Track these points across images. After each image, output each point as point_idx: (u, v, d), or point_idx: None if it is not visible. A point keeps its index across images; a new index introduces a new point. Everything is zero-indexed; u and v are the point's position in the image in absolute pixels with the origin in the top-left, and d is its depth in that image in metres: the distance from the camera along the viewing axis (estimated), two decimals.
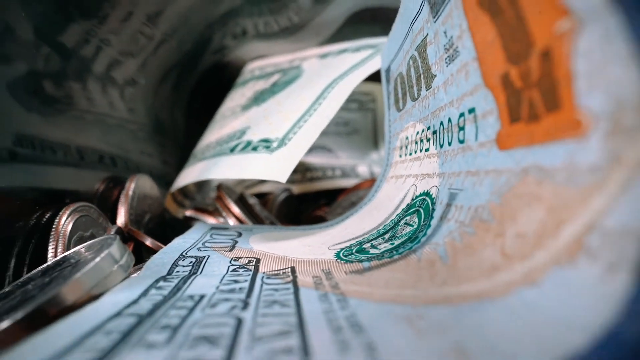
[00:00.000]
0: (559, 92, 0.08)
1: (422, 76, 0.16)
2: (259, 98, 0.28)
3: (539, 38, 0.08)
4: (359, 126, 0.39)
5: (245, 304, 0.10)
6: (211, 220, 0.25)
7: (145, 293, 0.11)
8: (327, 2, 0.31)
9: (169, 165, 0.34)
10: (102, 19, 0.26)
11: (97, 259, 0.12)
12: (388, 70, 0.22)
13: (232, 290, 0.11)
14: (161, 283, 0.12)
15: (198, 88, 0.39)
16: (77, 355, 0.07)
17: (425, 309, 0.09)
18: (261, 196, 0.32)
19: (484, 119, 0.11)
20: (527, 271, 0.08)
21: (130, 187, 0.23)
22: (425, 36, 0.15)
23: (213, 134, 0.29)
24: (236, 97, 0.32)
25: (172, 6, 0.31)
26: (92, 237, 0.19)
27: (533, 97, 0.09)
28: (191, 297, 0.10)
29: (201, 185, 0.33)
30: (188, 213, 0.26)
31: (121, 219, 0.22)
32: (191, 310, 0.09)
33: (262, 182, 0.32)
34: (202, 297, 0.10)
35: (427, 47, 0.15)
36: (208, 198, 0.33)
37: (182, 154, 0.37)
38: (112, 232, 0.19)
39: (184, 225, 0.28)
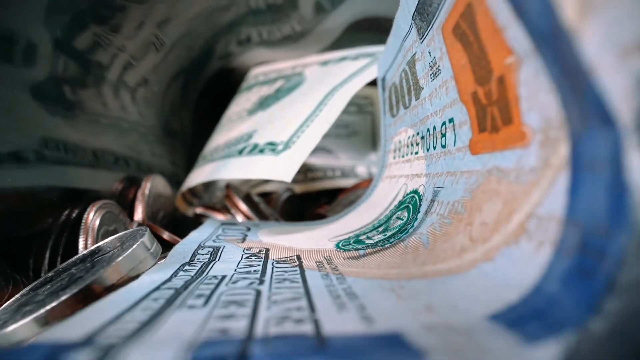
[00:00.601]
0: (510, 110, 0.10)
1: (412, 87, 0.18)
2: (264, 103, 0.31)
3: (495, 67, 0.10)
4: (358, 128, 0.42)
5: (261, 281, 0.12)
6: (220, 217, 0.27)
7: (175, 274, 0.13)
8: (328, 12, 0.33)
9: (177, 166, 0.37)
10: (115, 27, 0.28)
11: (134, 247, 0.14)
12: (384, 79, 0.24)
13: (248, 272, 0.13)
14: (186, 267, 0.14)
15: (205, 92, 0.41)
16: (137, 313, 0.09)
17: (406, 282, 0.11)
18: (265, 195, 0.35)
19: (460, 128, 0.13)
20: (486, 250, 0.10)
21: (147, 186, 0.25)
22: (414, 54, 0.17)
23: (221, 137, 0.31)
24: (242, 102, 0.35)
25: (180, 14, 0.33)
26: (115, 231, 0.21)
27: (494, 112, 0.11)
28: (215, 276, 0.13)
29: (208, 185, 0.35)
30: (198, 210, 0.28)
31: (139, 215, 0.24)
32: (217, 285, 0.12)
33: (266, 182, 0.35)
34: (223, 276, 0.13)
35: (415, 63, 0.17)
36: (215, 197, 0.36)
37: (190, 155, 0.39)
38: (133, 227, 0.22)
39: (194, 222, 0.30)
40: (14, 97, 0.21)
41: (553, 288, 0.08)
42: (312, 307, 0.09)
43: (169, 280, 0.12)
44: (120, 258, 0.13)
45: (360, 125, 0.41)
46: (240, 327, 0.08)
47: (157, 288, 0.12)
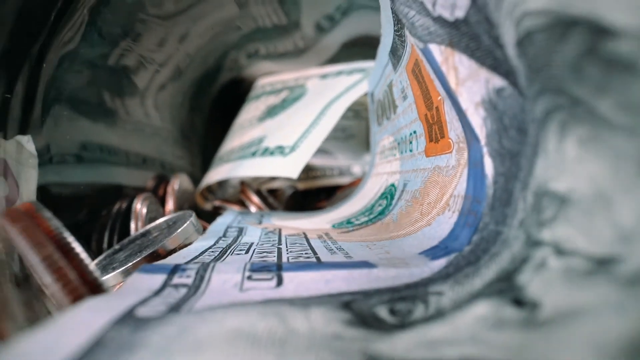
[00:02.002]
0: (443, 129, 0.16)
1: (391, 104, 0.24)
2: (271, 112, 0.37)
3: (434, 100, 0.16)
4: (355, 132, 0.48)
5: (279, 243, 0.18)
6: (236, 208, 0.33)
7: (216, 242, 0.19)
8: (327, 31, 0.39)
9: (195, 166, 0.43)
10: (137, 36, 0.34)
11: (186, 224, 0.20)
12: (372, 94, 0.30)
13: (268, 240, 0.19)
14: (222, 239, 0.20)
15: (216, 100, 0.47)
16: (206, 256, 0.15)
17: (377, 242, 0.17)
18: (272, 192, 0.41)
19: (419, 138, 0.19)
20: (428, 220, 0.16)
21: (176, 182, 0.31)
22: (391, 80, 0.23)
23: (235, 141, 0.37)
24: (251, 110, 0.41)
25: (198, 30, 0.39)
26: (155, 218, 0.27)
27: (436, 129, 0.17)
28: (246, 243, 0.19)
29: (222, 183, 0.41)
30: (217, 203, 0.34)
31: (170, 206, 0.30)
32: (249, 246, 0.18)
33: (273, 179, 0.41)
34: (252, 243, 0.19)
35: (392, 87, 0.23)
36: (227, 193, 0.42)
37: (204, 157, 0.45)
38: (171, 214, 0.28)
39: (211, 214, 0.36)
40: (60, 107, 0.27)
41: (455, 234, 0.14)
42: (314, 252, 0.15)
43: (214, 244, 0.18)
44: (178, 231, 0.19)
45: (356, 129, 0.47)
46: (272, 258, 0.14)
47: (210, 247, 0.18)
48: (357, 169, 0.44)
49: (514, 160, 0.11)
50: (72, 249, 0.10)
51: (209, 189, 0.40)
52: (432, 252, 0.14)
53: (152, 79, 0.37)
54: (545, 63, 0.08)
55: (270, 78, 0.45)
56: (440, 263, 0.12)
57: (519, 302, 0.09)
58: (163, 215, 0.29)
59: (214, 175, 0.34)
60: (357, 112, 0.48)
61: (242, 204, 0.34)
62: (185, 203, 0.33)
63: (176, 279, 0.12)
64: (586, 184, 0.08)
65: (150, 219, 0.27)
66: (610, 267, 0.07)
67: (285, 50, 0.43)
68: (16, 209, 0.11)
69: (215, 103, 0.47)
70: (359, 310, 0.10)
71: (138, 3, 0.31)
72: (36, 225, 0.10)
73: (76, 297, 0.09)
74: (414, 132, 0.20)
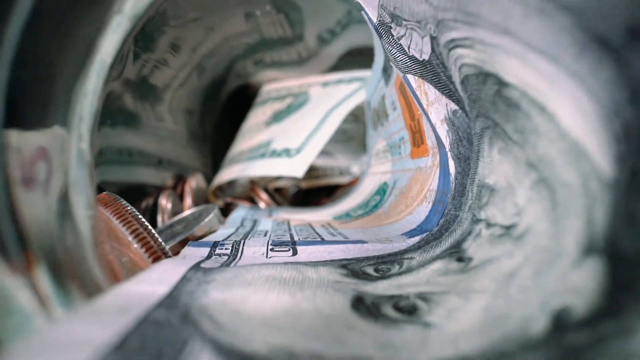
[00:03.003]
0: (422, 136, 0.21)
1: (384, 113, 0.29)
2: (277, 117, 0.41)
3: (415, 113, 0.21)
4: (354, 134, 0.52)
5: (289, 230, 0.22)
6: (246, 204, 0.37)
7: (237, 230, 0.24)
8: (328, 42, 0.44)
9: (207, 166, 0.47)
10: (156, 46, 0.38)
11: (211, 215, 0.24)
12: (369, 103, 0.34)
13: (279, 228, 0.24)
14: (241, 227, 0.25)
15: (225, 105, 0.51)
16: (232, 237, 0.20)
17: (370, 228, 0.21)
18: (277, 190, 0.45)
19: (406, 143, 0.24)
20: (410, 209, 0.21)
21: (193, 181, 0.36)
22: (384, 93, 0.27)
23: (244, 143, 0.41)
24: (258, 114, 0.45)
25: (209, 40, 0.44)
26: (177, 212, 0.32)
27: (417, 136, 0.21)
28: (262, 230, 0.23)
29: (231, 182, 0.46)
30: (229, 200, 0.38)
31: (188, 202, 0.35)
32: (266, 232, 0.22)
33: (279, 178, 0.45)
34: (267, 230, 0.23)
35: (385, 98, 0.28)
36: (236, 192, 0.46)
37: (214, 158, 0.50)
38: (191, 210, 0.32)
39: (223, 210, 0.40)
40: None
41: (429, 219, 0.18)
42: (319, 235, 0.20)
43: (235, 232, 0.23)
44: (205, 221, 0.24)
45: (355, 132, 0.52)
46: (287, 238, 0.19)
47: (233, 233, 0.22)
48: (356, 169, 0.48)
49: (466, 162, 0.15)
50: (147, 226, 0.15)
51: (220, 188, 0.44)
52: (411, 233, 0.18)
53: (168, 85, 0.41)
54: (477, 97, 0.13)
55: (275, 85, 0.49)
56: (415, 239, 0.17)
57: (460, 259, 0.13)
58: (182, 210, 0.33)
59: (226, 174, 0.39)
60: (357, 116, 0.52)
61: (251, 200, 0.38)
62: (200, 200, 0.38)
63: (217, 250, 0.16)
64: (502, 178, 0.13)
65: (173, 213, 0.31)
66: (510, 231, 0.12)
67: (290, 59, 0.47)
68: (103, 196, 0.15)
69: (224, 108, 0.52)
70: (353, 269, 0.14)
71: (163, 15, 0.35)
72: (122, 209, 0.14)
73: (155, 259, 0.14)
74: (402, 138, 0.25)
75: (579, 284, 0.08)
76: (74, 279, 0.09)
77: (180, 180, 0.37)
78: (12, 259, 0.07)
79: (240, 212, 0.31)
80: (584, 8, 0.07)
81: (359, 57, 0.46)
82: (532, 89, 0.10)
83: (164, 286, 0.10)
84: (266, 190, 0.39)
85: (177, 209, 0.33)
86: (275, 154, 0.35)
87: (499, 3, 0.09)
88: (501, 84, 0.11)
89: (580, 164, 0.09)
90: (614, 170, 0.08)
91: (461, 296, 0.11)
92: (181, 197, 0.36)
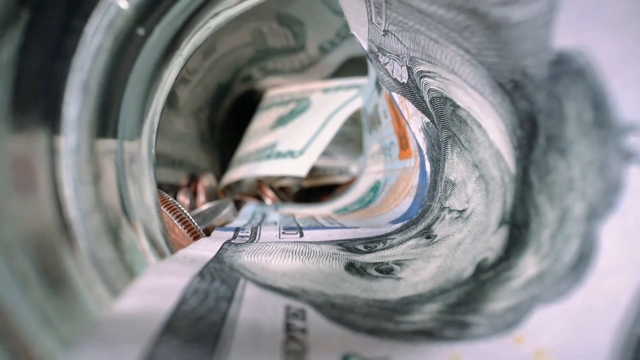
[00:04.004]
0: (407, 141, 0.25)
1: (378, 119, 0.33)
2: (282, 121, 0.46)
3: (401, 122, 0.25)
4: (353, 136, 0.56)
5: (295, 221, 0.27)
6: (253, 201, 0.42)
7: (249, 221, 0.28)
8: (328, 52, 0.48)
9: (214, 166, 0.52)
10: None
11: (227, 209, 0.29)
12: (365, 109, 0.39)
13: (286, 220, 0.28)
14: (252, 219, 0.29)
15: (231, 109, 0.56)
16: (247, 227, 0.24)
17: (363, 219, 0.26)
18: (281, 189, 0.50)
19: (395, 146, 0.28)
20: (397, 203, 0.25)
21: (205, 180, 0.40)
22: (377, 102, 0.32)
23: (250, 145, 0.46)
24: (263, 118, 0.50)
25: (218, 47, 0.48)
26: (192, 208, 0.36)
27: (403, 141, 0.26)
28: (271, 221, 0.28)
29: (238, 181, 0.50)
30: (237, 197, 0.43)
31: (201, 199, 0.39)
32: (275, 222, 0.27)
33: (283, 178, 0.50)
34: (276, 221, 0.28)
35: (378, 107, 0.32)
36: (243, 190, 0.50)
37: (221, 158, 0.54)
38: (206, 205, 0.36)
39: (234, 206, 0.45)
40: None
41: (411, 209, 0.23)
42: (320, 224, 0.24)
43: (248, 223, 0.27)
44: (223, 214, 0.28)
45: (354, 134, 0.56)
46: (294, 225, 0.23)
47: (247, 224, 0.27)
48: (354, 169, 0.52)
49: (437, 163, 0.20)
50: (186, 213, 0.19)
51: (228, 186, 0.49)
52: (396, 221, 0.23)
53: (181, 90, 0.46)
54: (441, 114, 0.17)
55: (279, 90, 0.54)
56: (398, 225, 0.21)
57: (428, 237, 0.18)
58: (196, 206, 0.38)
59: (235, 174, 0.43)
60: (355, 120, 0.57)
61: (258, 197, 0.43)
62: (211, 197, 0.42)
63: (240, 233, 0.20)
64: (459, 175, 0.17)
65: (190, 208, 0.36)
66: (462, 213, 0.16)
67: (292, 67, 0.52)
68: None
69: (230, 112, 0.56)
70: (347, 246, 0.19)
71: None
72: (166, 199, 0.19)
73: (195, 238, 0.18)
74: (392, 142, 0.29)
75: (493, 244, 0.13)
76: (155, 242, 0.13)
77: (193, 179, 0.42)
78: (151, 224, 0.11)
79: (250, 207, 0.35)
80: (491, 65, 0.12)
81: (356, 65, 0.50)
82: (472, 111, 0.15)
83: (211, 252, 0.15)
84: (271, 189, 0.43)
85: (192, 205, 0.37)
86: (280, 155, 0.40)
87: (446, 53, 0.14)
88: (455, 106, 0.16)
89: (500, 164, 0.14)
90: (515, 168, 0.13)
91: (424, 260, 0.15)
92: (194, 194, 0.40)
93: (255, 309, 0.10)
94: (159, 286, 0.10)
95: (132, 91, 0.12)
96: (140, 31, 0.10)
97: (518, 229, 0.12)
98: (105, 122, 0.10)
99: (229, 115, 0.56)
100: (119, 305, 0.08)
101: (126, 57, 0.10)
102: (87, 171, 0.09)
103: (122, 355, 0.07)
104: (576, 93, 0.09)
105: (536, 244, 0.11)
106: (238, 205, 0.43)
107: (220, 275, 0.12)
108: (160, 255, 0.13)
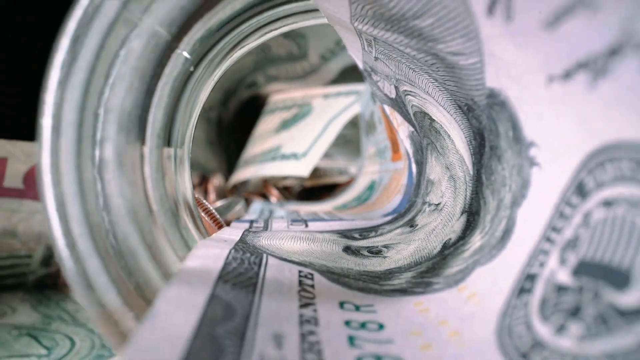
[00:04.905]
0: (398, 145, 0.29)
1: (373, 125, 0.37)
2: (285, 125, 0.50)
3: (392, 129, 0.30)
4: (352, 139, 0.61)
5: (300, 215, 0.31)
6: (259, 199, 0.46)
7: (259, 216, 0.32)
8: (329, 60, 0.53)
9: (222, 167, 0.56)
10: None
11: (239, 205, 0.33)
12: (363, 115, 0.43)
13: (292, 215, 0.32)
14: (261, 215, 0.33)
15: (237, 113, 0.60)
16: (259, 220, 0.28)
17: (359, 214, 0.30)
18: (285, 188, 0.54)
19: (389, 150, 0.33)
20: (389, 199, 0.30)
21: (216, 180, 0.44)
22: (373, 109, 0.36)
23: (256, 148, 0.50)
24: (267, 122, 0.54)
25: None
26: None
27: (395, 145, 0.30)
28: (279, 216, 0.32)
29: (244, 181, 0.55)
30: (244, 195, 0.47)
31: (212, 197, 0.43)
32: (282, 217, 0.31)
33: (286, 178, 0.54)
34: (283, 216, 0.32)
35: (374, 114, 0.36)
36: (248, 189, 0.55)
37: (227, 160, 0.59)
38: (220, 202, 0.41)
39: None
40: None
41: (400, 205, 0.27)
42: (322, 218, 0.29)
43: (259, 217, 0.32)
44: (236, 209, 0.33)
45: (353, 137, 0.60)
46: (299, 218, 0.27)
47: (257, 218, 0.31)
48: (353, 170, 0.57)
49: (421, 165, 0.24)
50: (212, 209, 0.23)
51: (235, 185, 0.53)
52: (387, 214, 0.27)
53: None
54: (421, 125, 0.21)
55: (282, 95, 0.58)
56: (389, 218, 0.26)
57: (411, 226, 0.22)
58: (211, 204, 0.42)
59: (242, 174, 0.48)
60: (354, 123, 0.61)
61: (263, 196, 0.47)
62: (220, 195, 0.47)
63: (254, 225, 0.25)
64: (436, 176, 0.21)
65: None
66: (438, 206, 0.20)
67: (295, 74, 0.56)
68: None
69: (236, 115, 0.60)
70: (345, 234, 0.23)
71: None
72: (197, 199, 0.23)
73: (219, 227, 0.22)
74: (386, 145, 0.33)
75: (456, 228, 0.17)
76: (197, 225, 0.17)
77: (204, 179, 0.46)
78: (192, 211, 0.16)
79: (258, 204, 0.39)
80: (452, 92, 0.16)
81: (355, 73, 0.54)
82: (443, 124, 0.19)
83: (236, 237, 0.19)
84: (276, 188, 0.47)
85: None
86: (284, 157, 0.44)
87: (421, 79, 0.18)
88: (431, 119, 0.20)
89: (463, 167, 0.18)
90: (472, 170, 0.17)
91: (406, 243, 0.20)
92: (205, 192, 0.44)
93: (277, 271, 0.14)
94: (209, 254, 0.14)
95: (181, 112, 0.16)
96: (191, 68, 0.14)
97: (472, 215, 0.16)
98: (167, 136, 0.14)
99: (235, 119, 0.60)
100: (187, 264, 0.13)
101: (181, 90, 0.14)
102: (159, 170, 0.13)
103: (198, 290, 0.11)
104: (503, 117, 0.13)
105: (482, 225, 0.15)
106: (246, 202, 0.47)
107: (249, 250, 0.16)
108: (202, 235, 0.18)
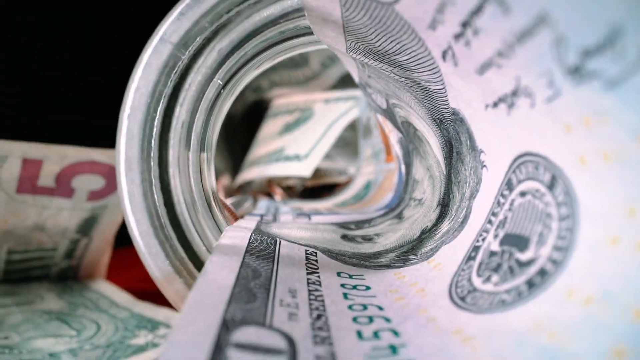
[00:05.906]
0: (390, 148, 0.34)
1: (369, 129, 0.42)
2: (288, 128, 0.54)
3: (385, 134, 0.34)
4: (350, 140, 0.65)
5: (303, 211, 0.36)
6: (264, 198, 0.51)
7: (266, 212, 0.37)
8: (329, 66, 0.57)
9: (227, 168, 0.60)
10: None
11: (248, 202, 0.38)
12: (360, 119, 0.48)
13: (297, 210, 0.37)
14: (269, 212, 0.38)
15: (242, 116, 0.65)
16: (268, 214, 0.33)
17: (355, 210, 0.35)
18: (287, 188, 0.58)
19: (382, 152, 0.37)
20: (383, 196, 0.34)
21: (224, 179, 0.49)
22: (370, 115, 0.41)
23: (260, 150, 0.55)
24: (271, 125, 0.59)
25: None
26: None
27: (388, 148, 0.35)
28: (285, 210, 0.36)
29: (249, 181, 0.59)
30: (250, 194, 0.51)
31: (221, 195, 0.48)
32: (288, 212, 0.35)
33: (288, 178, 0.58)
34: (288, 211, 0.36)
35: (370, 119, 0.41)
36: (253, 188, 0.59)
37: (233, 161, 0.63)
38: (231, 200, 0.45)
39: None
40: None
41: (392, 201, 0.31)
42: (323, 212, 0.33)
43: (267, 212, 0.36)
44: (245, 206, 0.37)
45: (352, 139, 0.65)
46: (305, 213, 0.32)
47: (266, 212, 0.35)
48: (352, 170, 0.61)
49: (408, 167, 0.29)
50: (228, 204, 0.28)
51: (240, 185, 0.57)
52: (380, 209, 0.31)
53: None
54: (407, 133, 0.26)
55: (284, 100, 0.62)
56: (381, 212, 0.30)
57: (399, 218, 0.26)
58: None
59: (247, 174, 0.52)
60: (353, 126, 0.66)
61: (267, 194, 0.52)
62: (227, 194, 0.51)
63: (264, 218, 0.29)
64: (420, 175, 0.26)
65: None
66: (420, 201, 0.25)
67: (297, 79, 0.60)
68: None
69: (241, 118, 0.65)
70: (343, 225, 0.27)
71: None
72: None
73: (235, 219, 0.27)
74: (381, 148, 0.38)
75: (432, 218, 0.21)
76: (222, 214, 0.22)
77: None
78: (218, 204, 0.20)
79: (264, 202, 0.44)
80: (428, 108, 0.21)
81: (352, 79, 0.59)
82: (424, 133, 0.23)
83: (252, 226, 0.24)
84: (280, 187, 0.52)
85: None
86: (288, 158, 0.48)
87: (405, 95, 0.22)
88: (415, 129, 0.24)
89: (439, 168, 0.22)
90: (445, 171, 0.21)
91: (393, 232, 0.24)
92: None
93: (288, 249, 0.19)
94: (236, 235, 0.18)
95: (212, 123, 0.20)
96: (221, 90, 0.19)
97: (444, 207, 0.21)
98: (202, 143, 0.19)
99: (240, 122, 0.65)
100: (221, 242, 0.17)
101: (212, 106, 0.19)
102: (197, 170, 0.18)
103: (233, 258, 0.15)
104: (463, 130, 0.18)
105: (450, 214, 0.19)
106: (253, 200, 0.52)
107: (265, 234, 0.20)
108: (226, 223, 0.22)
